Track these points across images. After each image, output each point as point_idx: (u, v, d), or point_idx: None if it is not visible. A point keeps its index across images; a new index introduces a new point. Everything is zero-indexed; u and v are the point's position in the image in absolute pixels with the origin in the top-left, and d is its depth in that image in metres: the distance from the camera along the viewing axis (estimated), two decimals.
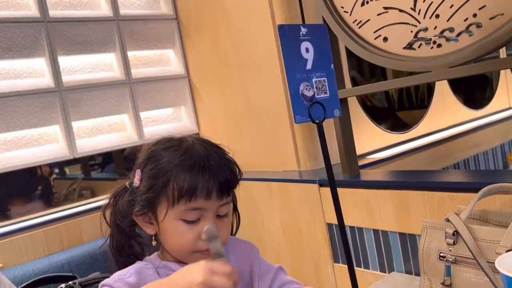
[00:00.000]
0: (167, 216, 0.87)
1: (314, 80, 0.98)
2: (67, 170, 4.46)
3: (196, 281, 0.69)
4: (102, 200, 2.03)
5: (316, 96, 0.99)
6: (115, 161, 3.68)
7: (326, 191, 1.55)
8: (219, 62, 2.09)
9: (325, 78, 1.00)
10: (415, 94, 4.48)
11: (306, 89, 0.97)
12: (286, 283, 1.00)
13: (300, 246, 1.70)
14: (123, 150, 3.37)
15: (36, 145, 1.92)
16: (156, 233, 0.91)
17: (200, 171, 0.84)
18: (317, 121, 0.98)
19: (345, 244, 1.07)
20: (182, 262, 0.90)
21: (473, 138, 2.37)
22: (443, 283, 1.02)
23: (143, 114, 2.18)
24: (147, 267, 0.90)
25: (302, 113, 0.97)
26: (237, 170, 0.93)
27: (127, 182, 0.95)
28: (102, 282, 0.87)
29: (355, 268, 1.53)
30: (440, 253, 1.05)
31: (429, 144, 2.06)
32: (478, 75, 3.61)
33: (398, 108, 3.15)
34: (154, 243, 0.93)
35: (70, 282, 1.33)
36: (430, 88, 3.44)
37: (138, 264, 0.91)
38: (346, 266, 1.54)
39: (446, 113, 2.47)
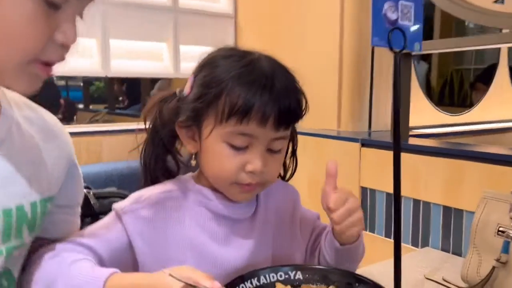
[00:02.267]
0: (212, 135, 0.74)
1: (400, 2, 0.85)
2: (91, 106, 4.43)
3: None
4: (130, 126, 1.96)
5: (400, 22, 0.86)
6: (141, 102, 3.62)
7: (368, 152, 1.43)
8: (270, 4, 1.95)
9: (412, 4, 0.87)
10: (458, 92, 4.26)
11: (390, 10, 0.84)
12: (324, 229, 0.90)
13: None
14: (151, 89, 3.30)
15: (69, 55, 1.83)
16: (197, 152, 0.79)
17: (260, 90, 0.71)
18: (396, 50, 0.86)
19: (397, 217, 0.89)
20: (219, 191, 0.79)
21: None
22: (497, 260, 0.91)
23: (182, 48, 2.07)
24: (172, 194, 0.79)
25: (380, 35, 0.84)
26: (304, 102, 0.79)
27: (177, 89, 0.82)
28: (114, 205, 0.77)
29: (383, 237, 1.43)
30: (500, 227, 0.93)
31: (479, 131, 1.91)
32: None
33: (438, 103, 2.98)
34: (193, 162, 0.80)
35: (85, 190, 1.25)
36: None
37: (161, 189, 0.79)
38: (373, 234, 1.45)
39: (501, 105, 2.30)
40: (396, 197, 0.90)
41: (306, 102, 0.80)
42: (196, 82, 0.78)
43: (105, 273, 0.66)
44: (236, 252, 0.80)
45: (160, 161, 0.83)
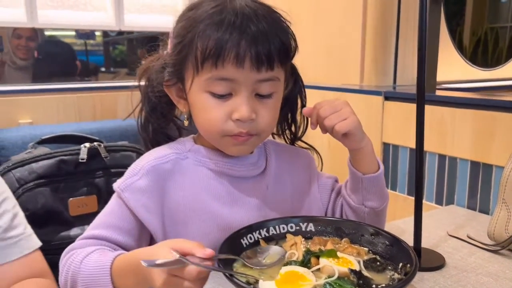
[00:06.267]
0: (193, 86, 0.71)
1: None
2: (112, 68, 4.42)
3: (156, 285, 0.56)
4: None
5: None
6: None
7: (391, 106, 1.35)
8: None
9: None
10: (492, 52, 4.04)
11: None
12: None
13: (344, 166, 1.53)
14: None
15: (83, 9, 1.79)
16: (189, 110, 0.76)
17: (229, 29, 0.66)
18: None
19: (419, 174, 0.83)
20: (219, 149, 0.76)
21: None
22: None
23: None
24: (168, 158, 0.75)
25: None
26: (292, 43, 0.74)
27: (165, 50, 0.79)
28: (113, 185, 0.74)
29: (405, 195, 1.36)
30: None
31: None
32: None
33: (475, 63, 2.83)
34: (186, 122, 0.78)
35: (95, 143, 1.22)
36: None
37: (156, 155, 0.76)
38: (394, 192, 1.38)
39: None
40: (419, 154, 0.83)
41: (295, 41, 0.75)
42: (173, 35, 0.74)
43: (110, 257, 0.65)
44: (243, 211, 0.77)
45: (158, 128, 0.80)
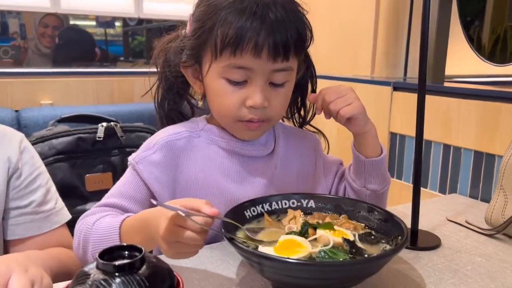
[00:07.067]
0: (210, 71, 0.74)
1: None
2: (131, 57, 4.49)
3: (159, 233, 0.58)
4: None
5: None
6: None
7: (400, 96, 1.37)
8: None
9: None
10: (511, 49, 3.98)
11: None
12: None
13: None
14: None
15: None
16: (205, 92, 0.79)
17: (250, 18, 0.68)
18: None
19: (418, 161, 0.85)
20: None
21: None
22: None
23: None
24: (182, 135, 0.79)
25: None
26: (308, 33, 0.76)
27: (182, 30, 0.81)
28: (128, 158, 0.78)
29: (410, 184, 1.39)
30: None
31: None
32: None
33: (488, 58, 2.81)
34: (200, 103, 0.82)
35: (112, 123, 1.28)
36: None
37: (170, 131, 0.80)
38: (400, 181, 1.41)
39: None
40: (418, 142, 0.86)
41: (311, 32, 0.77)
42: (193, 18, 0.76)
43: (120, 218, 0.69)
44: (252, 189, 0.81)
45: (173, 106, 0.84)
